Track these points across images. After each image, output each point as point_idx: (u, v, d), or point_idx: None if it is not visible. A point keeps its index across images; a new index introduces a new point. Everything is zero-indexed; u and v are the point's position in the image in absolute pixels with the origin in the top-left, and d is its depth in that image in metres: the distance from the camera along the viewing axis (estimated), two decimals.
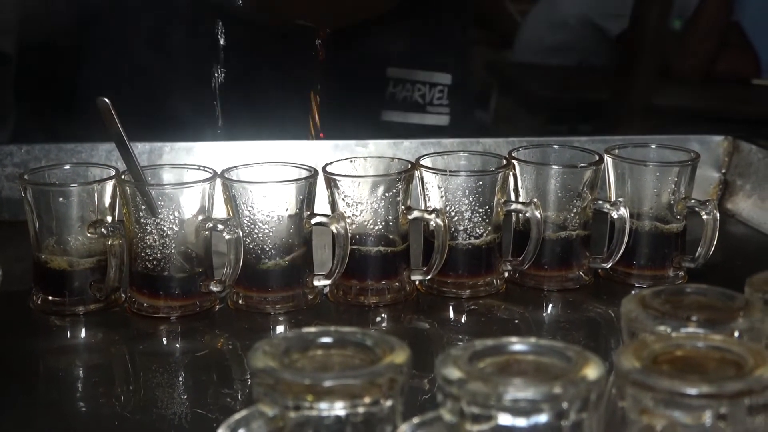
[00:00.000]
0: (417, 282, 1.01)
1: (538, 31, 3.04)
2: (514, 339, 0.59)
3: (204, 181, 0.94)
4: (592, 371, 0.55)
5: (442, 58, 1.45)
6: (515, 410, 0.53)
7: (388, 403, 0.57)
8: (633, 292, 0.82)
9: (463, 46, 1.52)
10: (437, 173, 0.99)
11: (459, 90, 1.46)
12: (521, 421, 0.53)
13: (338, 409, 0.56)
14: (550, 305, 1.01)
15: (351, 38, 1.34)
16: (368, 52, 1.38)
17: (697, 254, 1.03)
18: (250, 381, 0.82)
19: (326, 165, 0.98)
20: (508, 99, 3.18)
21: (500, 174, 0.99)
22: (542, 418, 0.53)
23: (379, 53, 1.39)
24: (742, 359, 0.57)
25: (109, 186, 0.95)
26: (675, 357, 0.59)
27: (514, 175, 1.02)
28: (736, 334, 0.63)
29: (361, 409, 0.56)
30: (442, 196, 0.98)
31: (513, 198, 1.03)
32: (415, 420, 0.57)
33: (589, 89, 2.87)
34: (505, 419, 0.53)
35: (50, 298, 0.96)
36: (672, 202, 1.03)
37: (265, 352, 0.58)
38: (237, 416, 0.57)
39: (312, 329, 0.61)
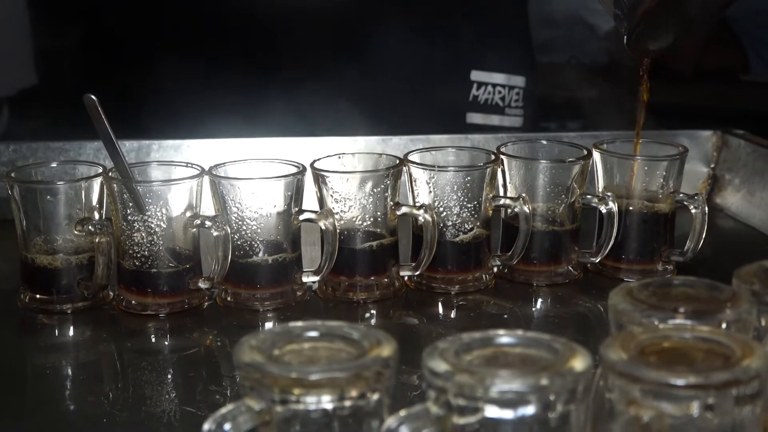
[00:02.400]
0: (406, 278, 1.01)
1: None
2: (501, 331, 0.59)
3: (192, 177, 0.94)
4: (579, 363, 0.55)
5: (518, 61, 1.51)
6: (502, 402, 0.53)
7: (375, 396, 0.57)
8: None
9: (533, 48, 1.58)
10: (425, 169, 0.99)
11: (531, 91, 1.51)
12: (508, 413, 0.53)
13: (325, 402, 0.56)
14: (540, 300, 1.01)
15: (440, 42, 1.40)
16: (455, 55, 1.43)
17: (685, 248, 1.03)
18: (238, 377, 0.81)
19: (314, 161, 0.98)
20: None
21: (489, 169, 0.99)
22: (529, 410, 0.53)
23: (464, 56, 1.44)
24: (729, 350, 0.57)
25: (97, 183, 0.94)
26: (662, 348, 0.59)
27: (503, 171, 1.02)
28: (724, 325, 0.63)
29: (347, 403, 0.56)
30: (430, 192, 0.98)
31: (501, 193, 1.03)
32: (402, 413, 0.57)
33: (579, 86, 2.87)
34: (492, 411, 0.53)
35: (38, 296, 0.95)
36: (660, 196, 1.03)
37: (251, 346, 0.58)
38: (223, 410, 0.57)
39: (298, 323, 0.61)
